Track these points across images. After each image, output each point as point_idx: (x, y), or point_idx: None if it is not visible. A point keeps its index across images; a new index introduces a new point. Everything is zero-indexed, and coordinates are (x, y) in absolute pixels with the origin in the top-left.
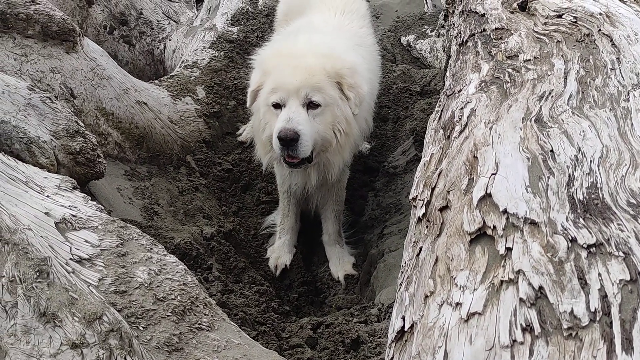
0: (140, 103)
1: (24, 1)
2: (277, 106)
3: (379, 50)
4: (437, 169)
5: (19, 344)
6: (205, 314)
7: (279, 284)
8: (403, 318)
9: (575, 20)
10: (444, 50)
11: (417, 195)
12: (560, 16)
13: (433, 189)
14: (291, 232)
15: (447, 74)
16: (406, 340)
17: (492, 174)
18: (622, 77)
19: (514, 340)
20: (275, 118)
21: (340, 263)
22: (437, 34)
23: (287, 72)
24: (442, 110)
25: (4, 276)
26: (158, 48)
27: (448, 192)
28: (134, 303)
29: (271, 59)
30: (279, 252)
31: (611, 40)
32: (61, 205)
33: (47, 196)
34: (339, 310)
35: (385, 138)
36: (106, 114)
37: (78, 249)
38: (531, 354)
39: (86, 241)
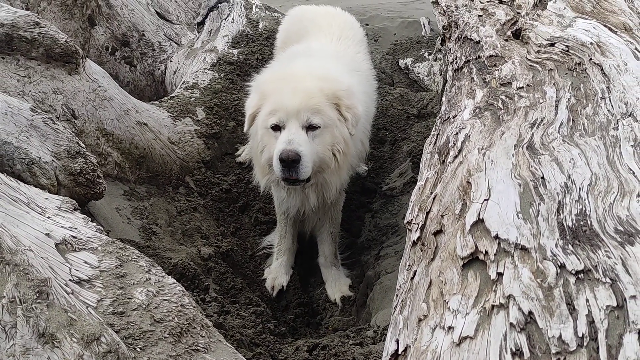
0: (141, 124)
1: (28, 24)
2: (276, 128)
3: (375, 75)
4: (432, 193)
5: None
6: (202, 336)
7: (275, 304)
8: (397, 341)
9: (567, 49)
10: (440, 74)
11: (412, 219)
12: (552, 45)
13: (428, 213)
14: (288, 254)
15: (443, 99)
16: None
17: (485, 200)
18: (612, 105)
19: None
20: (274, 140)
21: (336, 285)
22: (435, 57)
23: (286, 95)
24: (437, 135)
25: (4, 297)
26: (159, 69)
27: (442, 216)
28: (132, 324)
29: (269, 82)
30: (276, 273)
31: (601, 69)
32: (62, 227)
33: (48, 217)
34: (335, 332)
35: (382, 160)
36: (107, 135)
37: (78, 270)
38: None
39: (86, 262)
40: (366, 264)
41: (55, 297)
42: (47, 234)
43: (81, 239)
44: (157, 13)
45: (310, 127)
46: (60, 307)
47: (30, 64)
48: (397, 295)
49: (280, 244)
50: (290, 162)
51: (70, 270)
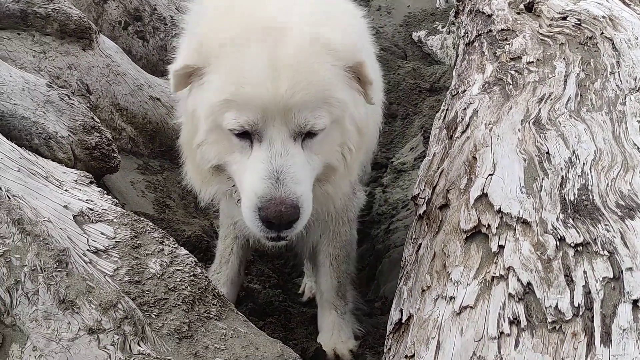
0: (154, 99)
1: (42, 0)
2: (243, 134)
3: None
4: (439, 168)
5: (39, 328)
6: (213, 304)
7: (287, 277)
8: (401, 311)
9: (579, 22)
10: (454, 47)
11: (418, 194)
12: (564, 18)
13: (434, 188)
14: (229, 288)
15: (454, 73)
16: (403, 332)
17: (490, 175)
18: (621, 80)
19: (501, 333)
20: (229, 144)
21: (331, 338)
22: (448, 30)
23: (260, 72)
24: (446, 110)
25: (26, 265)
26: (171, 43)
27: (448, 191)
28: (147, 292)
29: (220, 30)
30: None
31: (612, 43)
32: (79, 199)
33: (66, 190)
34: None
35: (393, 134)
36: (121, 110)
37: (95, 241)
38: (516, 345)
39: (102, 233)
40: (376, 238)
41: (74, 266)
42: (65, 206)
43: (97, 211)
44: None
45: (308, 134)
46: (79, 276)
47: (45, 39)
48: (402, 267)
49: (218, 272)
50: (284, 225)
51: (87, 240)
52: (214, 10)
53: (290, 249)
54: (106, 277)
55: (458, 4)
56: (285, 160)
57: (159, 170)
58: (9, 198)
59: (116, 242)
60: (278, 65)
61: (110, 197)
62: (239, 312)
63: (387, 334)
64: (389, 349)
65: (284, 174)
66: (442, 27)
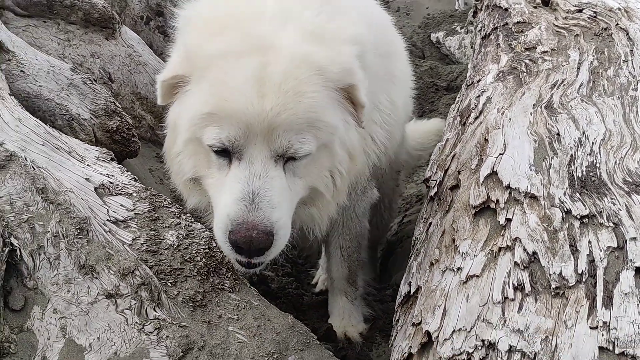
0: None
1: None
2: (222, 152)
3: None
4: (451, 152)
5: (60, 292)
6: (227, 277)
7: (300, 267)
8: (409, 284)
9: (594, 14)
10: (471, 47)
11: (430, 176)
12: (580, 11)
13: (446, 171)
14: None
15: (469, 65)
16: (411, 303)
17: (500, 154)
18: (634, 68)
19: (506, 298)
20: (207, 159)
21: (341, 322)
22: (466, 30)
23: (245, 85)
24: (461, 100)
25: (48, 232)
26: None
27: (459, 172)
28: (164, 262)
29: (210, 40)
30: None
31: (627, 33)
32: (100, 173)
33: (88, 165)
34: None
35: None
36: (141, 98)
37: (115, 212)
38: (520, 309)
39: (122, 205)
40: (389, 231)
41: (94, 234)
42: (86, 179)
43: (117, 184)
44: None
45: (291, 158)
46: (99, 243)
47: (70, 28)
48: (412, 246)
49: None
50: (253, 251)
51: (107, 211)
52: (205, 18)
53: (304, 240)
54: (125, 245)
55: (477, 2)
56: (264, 183)
57: None
58: (34, 169)
59: (135, 213)
60: (265, 82)
61: (129, 173)
62: (252, 287)
63: (396, 307)
64: (397, 320)
65: (260, 197)
66: (461, 28)
